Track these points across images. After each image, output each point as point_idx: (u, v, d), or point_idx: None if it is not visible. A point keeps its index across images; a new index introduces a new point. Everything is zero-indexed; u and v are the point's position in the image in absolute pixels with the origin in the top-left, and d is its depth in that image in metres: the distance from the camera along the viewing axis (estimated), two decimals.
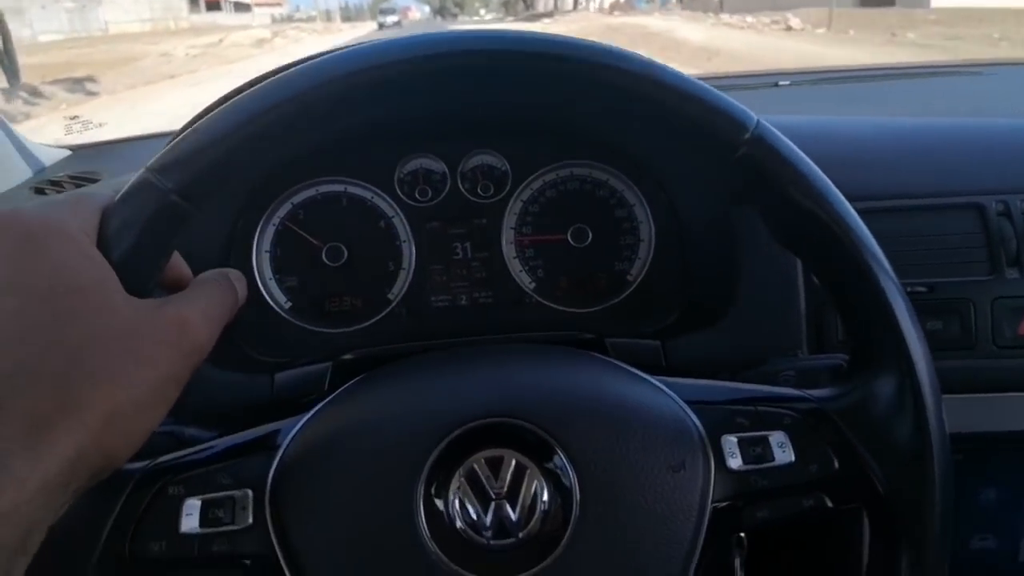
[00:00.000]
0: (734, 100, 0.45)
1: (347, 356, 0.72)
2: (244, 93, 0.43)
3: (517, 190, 0.83)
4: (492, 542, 0.41)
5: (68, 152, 1.03)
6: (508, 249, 0.83)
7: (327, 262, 0.80)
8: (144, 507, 0.44)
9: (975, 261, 0.75)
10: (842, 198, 0.45)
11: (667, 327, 0.78)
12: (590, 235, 0.82)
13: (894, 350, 0.45)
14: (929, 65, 1.62)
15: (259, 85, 0.43)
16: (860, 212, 0.46)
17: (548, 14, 50.28)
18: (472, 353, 0.53)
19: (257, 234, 0.80)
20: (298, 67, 0.43)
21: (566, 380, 0.48)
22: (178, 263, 0.46)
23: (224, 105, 0.42)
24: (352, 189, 0.81)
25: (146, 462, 0.46)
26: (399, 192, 0.82)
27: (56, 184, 0.87)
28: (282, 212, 0.80)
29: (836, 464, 0.45)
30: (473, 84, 0.46)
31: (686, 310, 0.79)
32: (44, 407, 0.34)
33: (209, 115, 0.42)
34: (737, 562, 0.51)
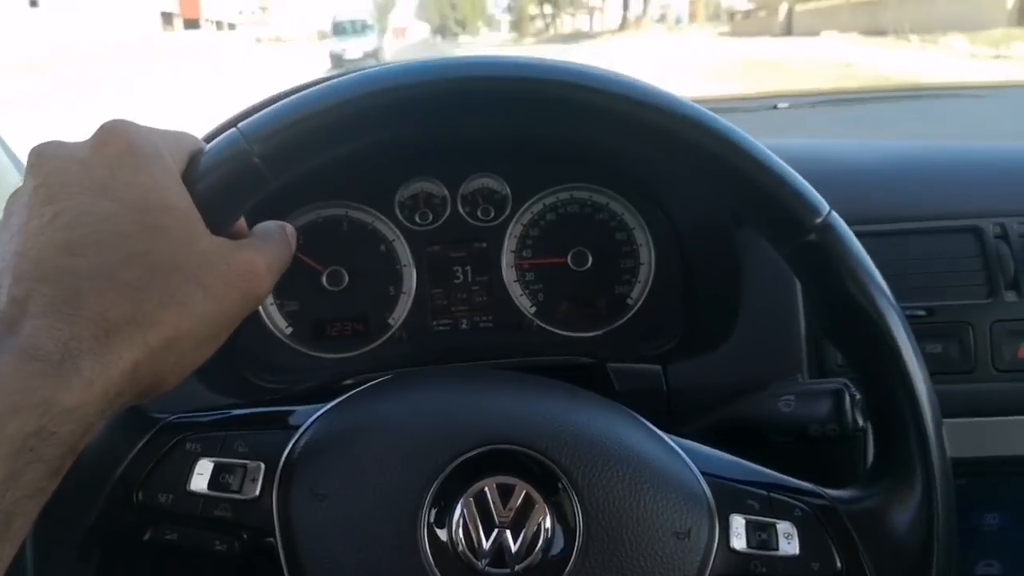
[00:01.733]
0: (808, 184, 0.45)
1: (348, 382, 0.72)
2: (342, 77, 0.43)
3: (517, 213, 0.83)
4: (488, 569, 0.41)
5: None
6: (508, 273, 0.83)
7: (328, 287, 0.80)
8: (160, 457, 0.44)
9: (973, 284, 0.74)
10: (895, 304, 0.45)
11: (669, 351, 0.78)
12: (590, 258, 0.82)
13: (922, 469, 0.45)
14: (932, 87, 1.62)
15: (354, 74, 0.43)
16: (859, 235, 0.46)
17: (587, 35, 40.28)
18: (500, 377, 0.53)
19: None
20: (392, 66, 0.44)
21: (588, 422, 0.47)
22: (240, 220, 0.47)
23: (320, 84, 0.43)
24: (353, 213, 0.82)
25: (169, 414, 0.47)
26: (399, 216, 0.82)
27: None
28: None
29: (838, 565, 0.45)
30: (524, 117, 0.46)
31: (687, 334, 0.79)
32: (115, 315, 0.35)
33: (305, 90, 0.43)
34: None
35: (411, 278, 0.82)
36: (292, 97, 0.42)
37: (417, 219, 0.82)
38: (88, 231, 0.35)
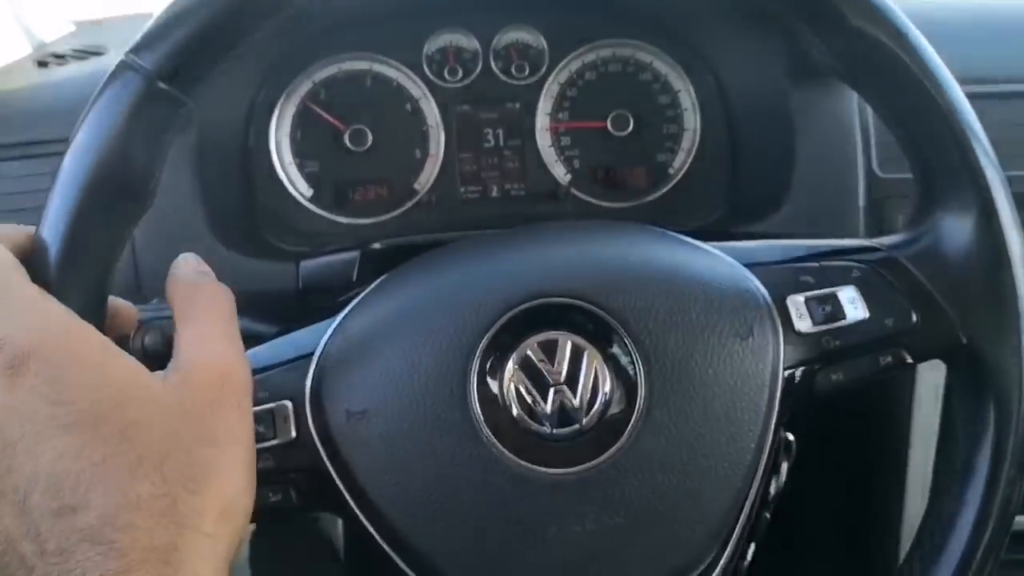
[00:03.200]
0: None
1: (375, 245, 0.68)
2: None
3: (554, 71, 0.77)
4: (554, 431, 0.38)
5: (72, 27, 0.99)
6: (543, 137, 0.78)
7: (350, 147, 0.75)
8: None
9: None
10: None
11: (713, 222, 0.74)
12: (631, 122, 0.77)
13: (970, 182, 0.41)
14: None
15: None
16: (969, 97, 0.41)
17: None
18: (515, 234, 0.48)
19: (276, 115, 0.75)
20: None
21: (617, 254, 0.44)
22: (116, 305, 0.41)
23: None
24: (377, 67, 0.76)
25: None
26: (427, 71, 0.76)
27: (60, 57, 0.83)
28: (302, 90, 0.75)
29: (913, 316, 0.42)
30: None
31: (734, 204, 0.75)
32: (167, 528, 0.30)
33: None
34: (784, 466, 0.48)
35: (439, 140, 0.77)
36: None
37: (446, 75, 0.77)
38: (74, 481, 0.30)
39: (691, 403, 0.39)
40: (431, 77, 0.77)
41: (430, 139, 0.77)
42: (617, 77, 0.78)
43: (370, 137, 0.75)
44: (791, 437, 0.46)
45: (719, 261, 0.44)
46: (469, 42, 0.77)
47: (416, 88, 0.77)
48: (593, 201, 0.78)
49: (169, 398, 0.33)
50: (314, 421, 0.40)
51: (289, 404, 0.40)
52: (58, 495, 0.29)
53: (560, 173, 0.78)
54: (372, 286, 0.45)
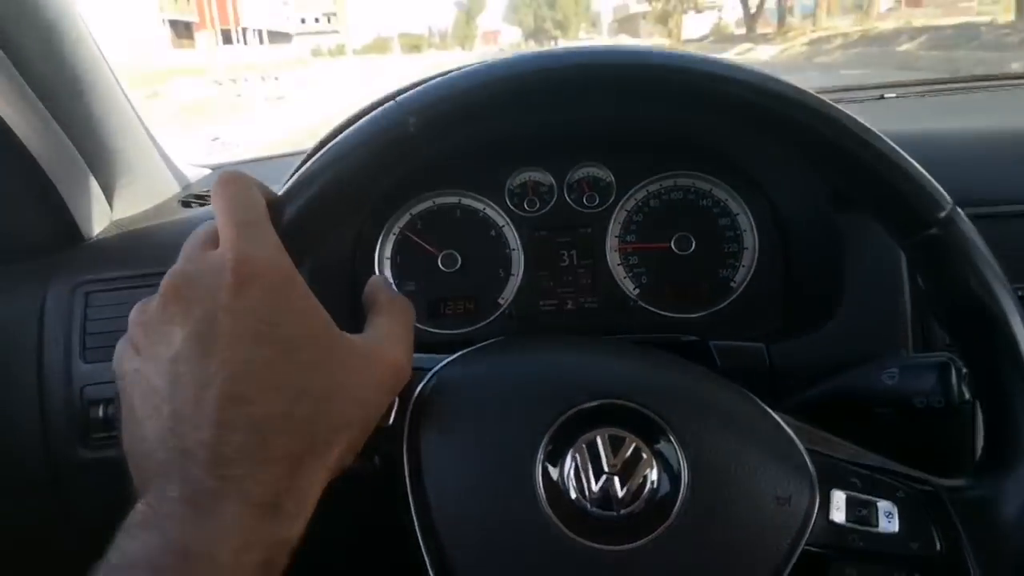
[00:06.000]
0: (931, 178, 0.46)
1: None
2: (497, 59, 0.47)
3: (621, 200, 0.86)
4: (596, 511, 0.45)
5: (208, 171, 1.14)
6: (612, 257, 0.86)
7: (443, 268, 0.85)
8: None
9: None
10: (1016, 301, 0.46)
11: (771, 332, 0.79)
12: (693, 243, 0.84)
13: None
14: None
15: (509, 57, 0.47)
16: (973, 218, 0.47)
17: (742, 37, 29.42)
18: (617, 343, 0.57)
19: (379, 243, 0.86)
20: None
21: (700, 386, 0.51)
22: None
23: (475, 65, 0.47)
24: (466, 201, 0.87)
25: None
26: (509, 203, 0.86)
27: (200, 198, 0.97)
28: (401, 222, 0.87)
29: (938, 547, 0.45)
30: (668, 106, 0.49)
31: (790, 315, 0.81)
32: (299, 452, 0.39)
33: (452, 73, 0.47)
34: None
35: (519, 261, 0.86)
36: (446, 76, 0.47)
37: (525, 206, 0.87)
38: (254, 380, 0.38)
39: (719, 532, 0.45)
40: (512, 208, 0.86)
41: (512, 260, 0.86)
42: (679, 203, 0.86)
43: (459, 260, 0.86)
44: None
45: (784, 433, 0.49)
46: (545, 178, 0.87)
47: (500, 217, 0.87)
48: (660, 312, 0.85)
49: (350, 358, 0.42)
50: (411, 421, 0.48)
51: (396, 399, 0.48)
52: (238, 386, 0.37)
53: (629, 288, 0.86)
54: (491, 341, 0.55)
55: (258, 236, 0.41)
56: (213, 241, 0.41)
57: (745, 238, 0.85)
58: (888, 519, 0.46)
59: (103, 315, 0.80)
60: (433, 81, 0.47)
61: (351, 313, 0.48)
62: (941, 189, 0.46)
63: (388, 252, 0.86)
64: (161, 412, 0.38)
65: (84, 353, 0.80)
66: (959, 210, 0.46)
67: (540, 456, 0.46)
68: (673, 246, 0.85)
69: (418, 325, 0.85)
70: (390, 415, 0.48)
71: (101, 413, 0.79)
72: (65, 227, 0.86)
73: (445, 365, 0.52)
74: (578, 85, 0.46)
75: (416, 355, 0.49)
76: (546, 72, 0.46)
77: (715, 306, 0.84)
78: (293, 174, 0.47)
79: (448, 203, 0.87)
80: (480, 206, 0.87)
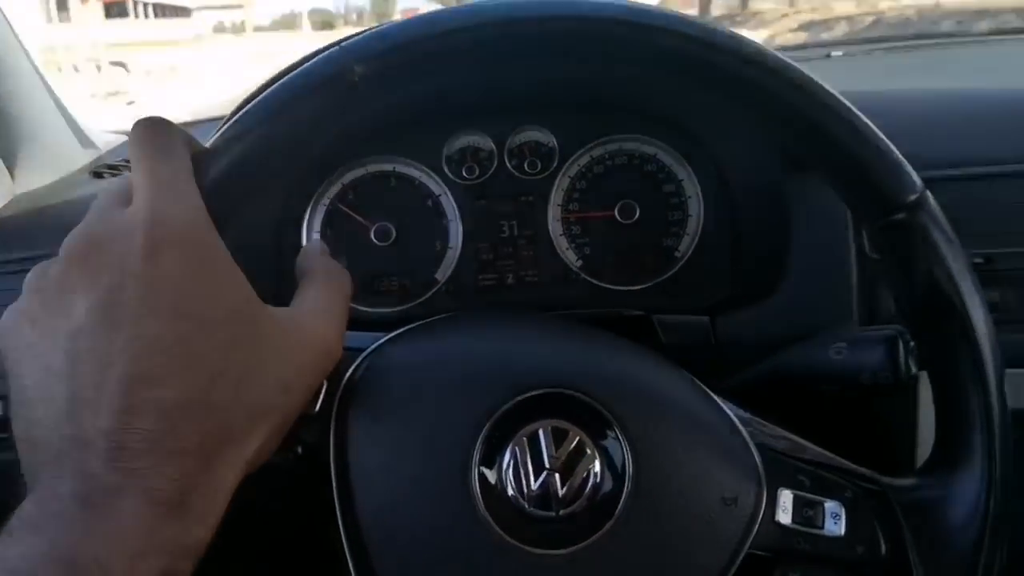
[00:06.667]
0: (904, 160, 0.44)
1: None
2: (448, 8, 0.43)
3: (564, 166, 0.83)
4: (533, 511, 0.42)
5: (124, 137, 1.07)
6: (555, 226, 0.83)
7: (376, 242, 0.81)
8: None
9: None
10: (981, 297, 0.44)
11: (717, 303, 0.78)
12: (637, 211, 0.82)
13: (984, 470, 0.44)
14: (988, 32, 1.57)
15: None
16: (930, 180, 0.45)
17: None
18: (560, 322, 0.53)
19: (307, 216, 0.81)
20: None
21: (649, 376, 0.48)
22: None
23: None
24: (401, 168, 0.82)
25: None
26: (447, 170, 0.82)
27: (113, 168, 0.90)
28: (332, 193, 0.82)
29: (883, 551, 0.45)
30: (618, 58, 0.45)
31: (736, 286, 0.79)
32: (212, 440, 0.34)
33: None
34: None
35: (457, 233, 0.82)
36: (394, 23, 0.42)
37: (464, 173, 0.82)
38: (165, 359, 0.33)
39: (660, 534, 0.43)
40: (450, 175, 0.82)
41: (450, 232, 0.83)
42: (623, 169, 0.82)
43: (394, 232, 0.81)
44: None
45: (733, 428, 0.47)
46: (485, 142, 0.83)
47: (437, 186, 0.82)
48: (603, 285, 0.82)
49: (275, 335, 0.38)
50: (339, 408, 0.44)
51: (324, 383, 0.44)
52: (146, 365, 0.33)
53: (572, 259, 0.83)
54: (429, 320, 0.52)
55: (178, 194, 0.36)
56: (126, 199, 0.36)
57: (690, 205, 0.82)
58: (834, 520, 0.45)
59: (5, 301, 0.73)
60: (382, 27, 0.42)
61: (274, 296, 0.43)
62: (912, 171, 0.44)
63: (317, 225, 0.81)
64: (57, 395, 0.33)
65: None
66: (928, 194, 0.44)
67: (477, 451, 0.43)
68: (617, 214, 0.82)
69: (351, 305, 0.81)
70: (317, 401, 0.44)
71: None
72: None
73: (379, 346, 0.48)
74: (550, 37, 0.43)
75: (348, 333, 0.45)
76: (513, 22, 0.42)
77: (659, 277, 0.82)
78: (222, 126, 0.42)
79: (382, 170, 0.82)
80: (416, 174, 0.83)
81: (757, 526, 0.43)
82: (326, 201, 0.82)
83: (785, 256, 0.73)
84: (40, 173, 0.90)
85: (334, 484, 0.43)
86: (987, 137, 0.77)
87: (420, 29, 0.41)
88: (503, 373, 0.45)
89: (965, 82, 1.02)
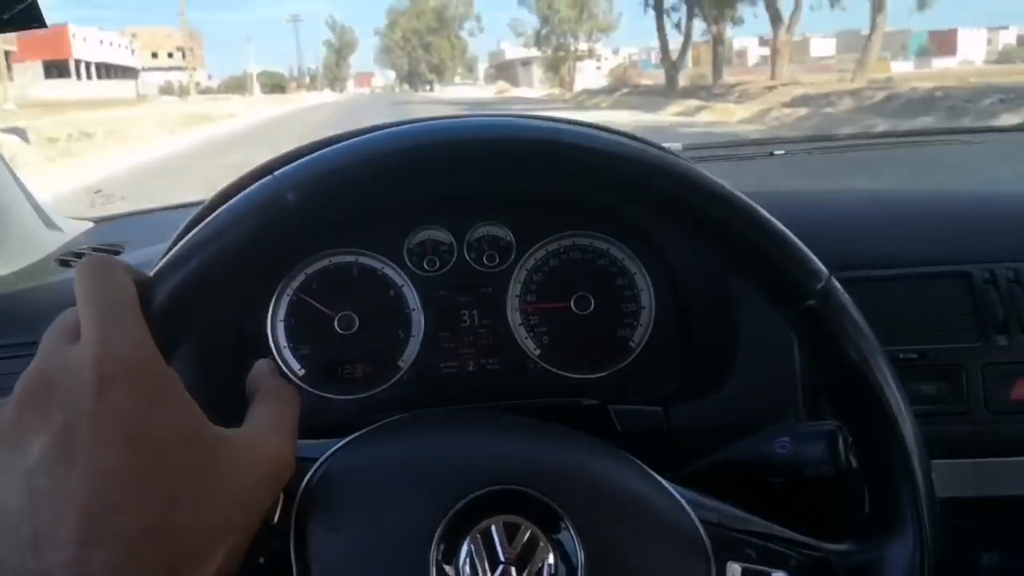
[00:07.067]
0: (808, 250, 0.47)
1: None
2: (376, 133, 0.46)
3: (521, 259, 0.86)
4: None
5: (91, 224, 1.07)
6: (514, 316, 0.85)
7: (339, 330, 0.83)
8: None
9: (964, 328, 0.77)
10: (893, 372, 0.47)
11: (670, 393, 0.80)
12: (592, 302, 0.84)
13: (915, 532, 0.47)
14: (922, 132, 1.66)
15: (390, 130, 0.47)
16: (850, 281, 0.48)
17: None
18: (508, 420, 0.55)
19: (272, 304, 0.83)
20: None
21: (593, 467, 0.50)
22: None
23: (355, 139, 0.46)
24: (363, 260, 0.85)
25: None
26: (408, 262, 0.85)
27: (80, 256, 0.91)
28: (296, 283, 0.83)
29: None
30: (536, 176, 0.48)
31: (687, 377, 0.82)
32: (174, 562, 0.36)
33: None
34: None
35: (419, 322, 0.84)
36: (325, 150, 0.45)
37: (425, 265, 0.85)
38: (122, 488, 0.34)
39: None
40: (411, 267, 0.85)
41: (412, 321, 0.84)
42: (578, 263, 0.86)
43: (357, 321, 0.83)
44: None
45: (679, 508, 0.48)
46: (445, 236, 0.86)
47: (398, 277, 0.85)
48: (561, 373, 0.84)
49: (229, 456, 0.39)
50: (297, 517, 0.45)
51: (281, 495, 0.45)
52: (103, 496, 0.34)
53: (530, 348, 0.85)
54: (382, 423, 0.52)
55: (123, 327, 0.37)
56: (74, 333, 0.38)
57: (642, 297, 0.85)
58: None
59: None
60: (312, 156, 0.45)
61: (240, 379, 0.45)
62: (817, 261, 0.47)
63: (281, 315, 0.83)
64: (19, 533, 0.34)
65: None
66: (835, 282, 0.47)
67: (434, 550, 0.44)
68: (573, 306, 0.85)
69: (315, 391, 0.82)
70: (276, 511, 0.45)
71: None
72: None
73: (332, 454, 0.49)
74: (464, 162, 0.46)
75: (302, 442, 0.47)
76: (426, 149, 0.45)
77: (615, 366, 0.84)
78: (165, 253, 0.44)
79: (344, 262, 0.85)
80: (378, 265, 0.85)
81: None
82: (290, 292, 0.83)
83: (733, 350, 0.76)
84: (5, 260, 0.90)
85: None
86: (914, 238, 0.82)
87: (350, 156, 0.44)
88: (454, 474, 0.47)
89: (902, 182, 1.08)
